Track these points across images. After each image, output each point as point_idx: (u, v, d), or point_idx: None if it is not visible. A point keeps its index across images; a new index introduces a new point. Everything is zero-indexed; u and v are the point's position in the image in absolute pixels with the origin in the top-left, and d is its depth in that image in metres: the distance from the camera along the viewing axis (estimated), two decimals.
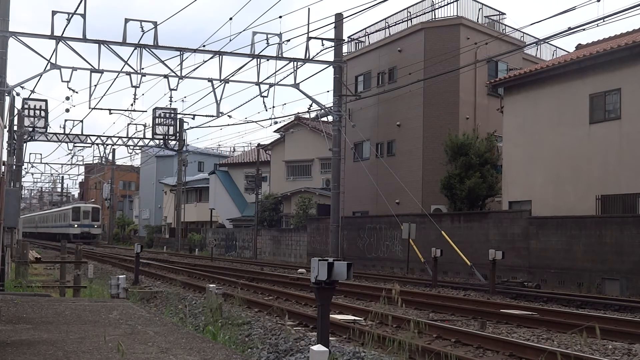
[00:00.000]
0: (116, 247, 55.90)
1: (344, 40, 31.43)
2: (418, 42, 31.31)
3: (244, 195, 50.97)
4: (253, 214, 43.65)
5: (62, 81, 26.43)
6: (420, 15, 31.26)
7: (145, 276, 23.20)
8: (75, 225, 65.97)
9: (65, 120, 55.22)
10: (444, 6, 29.11)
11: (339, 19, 28.92)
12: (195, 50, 27.41)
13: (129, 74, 27.13)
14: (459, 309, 14.05)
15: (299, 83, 28.84)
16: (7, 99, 24.95)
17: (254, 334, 10.31)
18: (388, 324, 10.82)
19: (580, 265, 20.22)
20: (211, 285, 13.57)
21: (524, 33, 32.33)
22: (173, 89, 28.79)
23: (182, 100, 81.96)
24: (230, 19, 26.03)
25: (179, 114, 39.51)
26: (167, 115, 39.05)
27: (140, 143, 45.27)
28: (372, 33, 34.76)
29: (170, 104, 38.87)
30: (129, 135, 44.69)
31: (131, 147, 45.31)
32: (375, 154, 31.85)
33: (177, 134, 40.91)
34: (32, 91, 32.45)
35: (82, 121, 42.73)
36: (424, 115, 30.65)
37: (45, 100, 34.61)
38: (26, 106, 33.65)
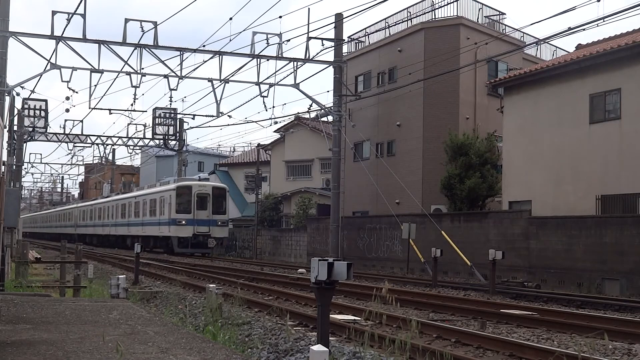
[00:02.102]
0: (117, 247, 55.70)
1: (344, 40, 31.42)
2: (418, 42, 31.31)
3: (244, 195, 50.97)
4: (253, 214, 43.64)
5: (62, 81, 26.47)
6: (420, 15, 31.23)
7: (145, 276, 23.17)
8: (183, 222, 37.35)
9: (65, 120, 55.03)
10: (444, 6, 29.11)
11: (339, 19, 28.92)
12: (195, 50, 27.42)
13: (129, 74, 27.16)
14: (459, 309, 14.04)
15: (299, 83, 28.86)
16: (7, 99, 24.99)
17: (254, 334, 10.30)
18: (388, 323, 10.83)
19: (580, 265, 20.22)
20: (211, 285, 13.54)
21: (524, 33, 32.33)
22: (173, 89, 28.85)
23: (182, 100, 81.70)
24: (230, 19, 26.09)
25: (179, 114, 39.60)
26: (167, 115, 39.10)
27: (140, 143, 45.30)
28: (372, 33, 34.74)
29: (170, 104, 38.85)
30: (129, 135, 44.73)
31: (131, 147, 45.37)
32: (375, 154, 31.84)
33: (177, 134, 40.98)
34: (32, 91, 32.50)
35: (82, 121, 42.84)
36: (424, 115, 30.65)
37: (45, 100, 34.71)
38: (26, 106, 33.73)
